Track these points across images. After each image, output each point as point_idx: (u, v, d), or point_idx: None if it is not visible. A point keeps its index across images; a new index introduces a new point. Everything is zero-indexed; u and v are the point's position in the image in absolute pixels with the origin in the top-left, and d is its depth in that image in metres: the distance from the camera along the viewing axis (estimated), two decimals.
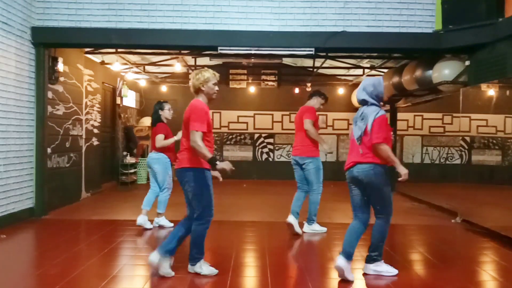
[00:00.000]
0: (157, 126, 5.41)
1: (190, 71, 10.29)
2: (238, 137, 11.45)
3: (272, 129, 11.46)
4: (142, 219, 5.33)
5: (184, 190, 3.63)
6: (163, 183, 5.44)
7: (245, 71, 10.90)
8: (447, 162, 11.03)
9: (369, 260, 3.76)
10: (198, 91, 3.68)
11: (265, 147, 11.52)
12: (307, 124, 5.26)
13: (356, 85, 10.85)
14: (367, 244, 3.81)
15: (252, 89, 11.19)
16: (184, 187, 3.61)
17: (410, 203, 7.70)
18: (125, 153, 9.65)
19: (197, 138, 3.43)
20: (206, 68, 3.77)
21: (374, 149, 3.58)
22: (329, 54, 7.85)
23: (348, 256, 3.59)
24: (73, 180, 7.15)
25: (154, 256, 3.53)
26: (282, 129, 11.26)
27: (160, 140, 5.32)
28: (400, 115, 9.78)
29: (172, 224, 5.42)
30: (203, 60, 9.76)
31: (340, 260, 3.55)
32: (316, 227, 5.41)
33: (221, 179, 3.76)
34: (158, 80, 11.15)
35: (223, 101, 10.57)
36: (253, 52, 6.11)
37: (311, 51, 6.00)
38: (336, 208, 6.96)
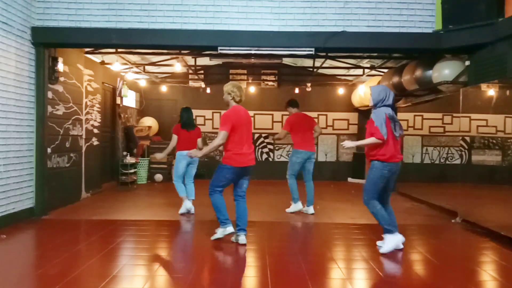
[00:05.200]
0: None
1: (190, 71, 10.31)
2: None
3: (272, 129, 11.46)
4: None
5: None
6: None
7: (245, 71, 10.89)
8: (447, 162, 11.02)
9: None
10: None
11: (265, 147, 11.52)
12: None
13: (355, 85, 10.87)
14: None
15: (252, 89, 11.18)
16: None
17: (410, 203, 7.69)
18: (125, 153, 9.65)
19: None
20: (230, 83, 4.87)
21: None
22: (329, 54, 7.84)
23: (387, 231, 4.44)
24: (73, 180, 7.14)
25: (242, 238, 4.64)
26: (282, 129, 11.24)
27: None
28: (400, 115, 9.72)
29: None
30: (203, 60, 9.76)
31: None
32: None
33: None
34: (158, 80, 11.15)
35: (223, 101, 10.54)
36: (253, 52, 6.10)
37: (311, 51, 6.00)
38: (336, 208, 6.96)
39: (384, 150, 4.35)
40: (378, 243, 4.56)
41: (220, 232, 4.76)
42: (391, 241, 4.40)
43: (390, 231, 4.42)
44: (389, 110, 4.42)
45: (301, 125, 6.67)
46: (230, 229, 4.72)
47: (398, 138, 4.41)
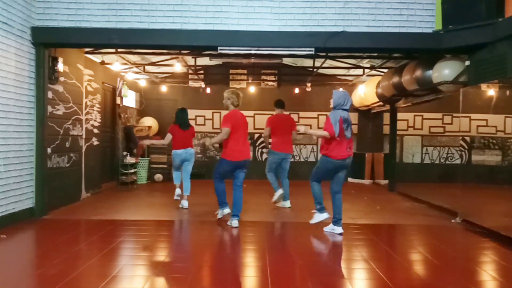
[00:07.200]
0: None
1: (190, 71, 10.31)
2: None
3: None
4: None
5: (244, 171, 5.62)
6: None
7: (245, 71, 10.89)
8: (447, 162, 11.03)
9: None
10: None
11: (265, 147, 11.49)
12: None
13: (355, 85, 10.87)
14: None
15: (252, 89, 11.18)
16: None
17: (410, 203, 7.69)
18: (125, 153, 9.65)
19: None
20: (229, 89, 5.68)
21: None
22: (329, 54, 7.85)
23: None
24: (73, 180, 7.14)
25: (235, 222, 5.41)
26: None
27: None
28: (400, 115, 9.77)
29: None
30: (203, 60, 9.76)
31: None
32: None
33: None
34: (158, 80, 11.15)
35: (223, 101, 10.56)
36: (253, 52, 6.10)
37: (311, 51, 6.00)
38: None
39: (333, 147, 5.03)
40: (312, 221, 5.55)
41: (220, 213, 5.65)
42: (318, 218, 5.49)
43: (319, 210, 5.44)
44: (344, 114, 5.07)
45: (280, 126, 7.03)
46: (227, 210, 5.62)
47: (349, 137, 5.10)
